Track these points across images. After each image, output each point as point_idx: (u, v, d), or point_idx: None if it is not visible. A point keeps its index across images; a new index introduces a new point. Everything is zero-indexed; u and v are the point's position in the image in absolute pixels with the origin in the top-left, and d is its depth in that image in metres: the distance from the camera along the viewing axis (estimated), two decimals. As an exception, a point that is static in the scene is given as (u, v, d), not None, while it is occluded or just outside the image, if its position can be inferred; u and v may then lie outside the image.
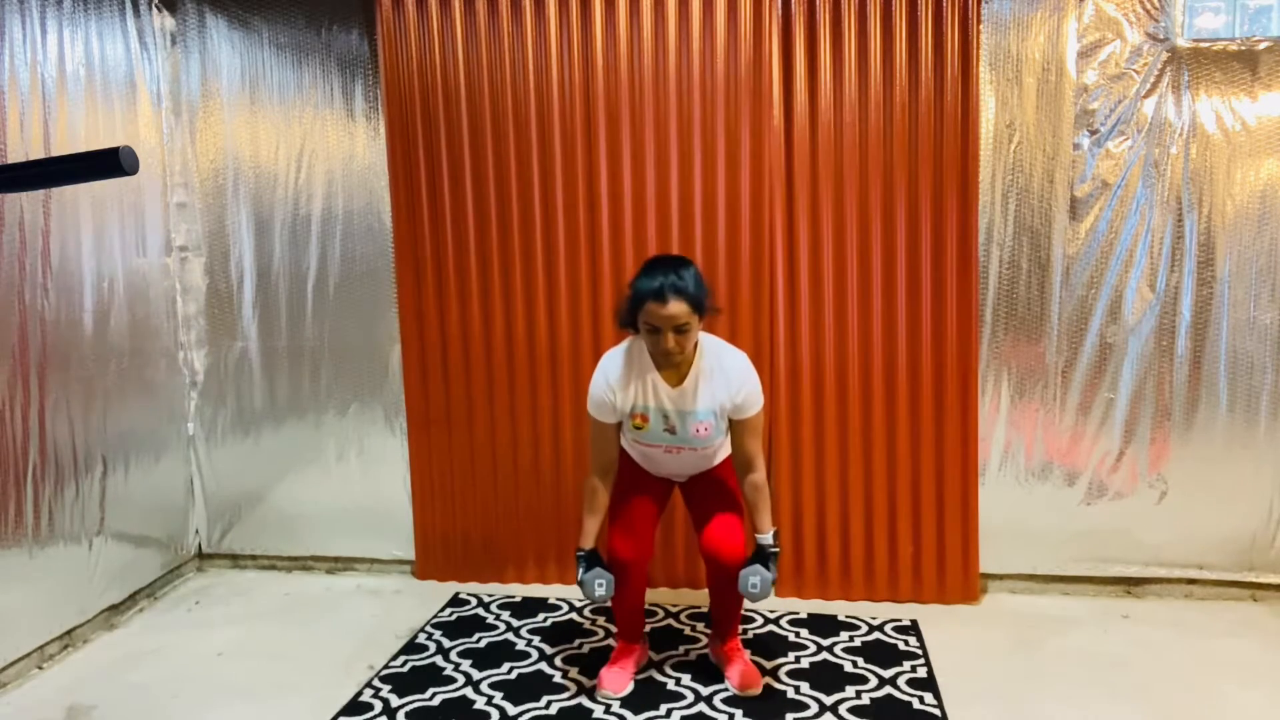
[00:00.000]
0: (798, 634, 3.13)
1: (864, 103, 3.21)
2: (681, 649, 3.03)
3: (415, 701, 2.73)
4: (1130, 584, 3.42)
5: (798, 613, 3.30)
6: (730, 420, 2.65)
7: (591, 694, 2.74)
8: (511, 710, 2.67)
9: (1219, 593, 3.36)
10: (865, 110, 3.21)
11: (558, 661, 2.96)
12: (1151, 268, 3.24)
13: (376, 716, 2.66)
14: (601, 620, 3.25)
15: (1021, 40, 3.21)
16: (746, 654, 2.85)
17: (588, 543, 2.67)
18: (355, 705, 2.72)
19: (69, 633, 3.14)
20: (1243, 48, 3.13)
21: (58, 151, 3.06)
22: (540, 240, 3.42)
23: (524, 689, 2.79)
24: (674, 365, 2.58)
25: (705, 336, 2.64)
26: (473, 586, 3.61)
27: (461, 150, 3.43)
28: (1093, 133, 3.21)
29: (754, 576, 2.57)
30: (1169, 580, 3.38)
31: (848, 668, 2.89)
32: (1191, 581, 3.38)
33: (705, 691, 2.75)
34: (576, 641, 3.10)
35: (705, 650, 3.00)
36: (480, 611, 3.37)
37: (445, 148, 3.43)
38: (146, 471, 3.55)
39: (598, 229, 3.38)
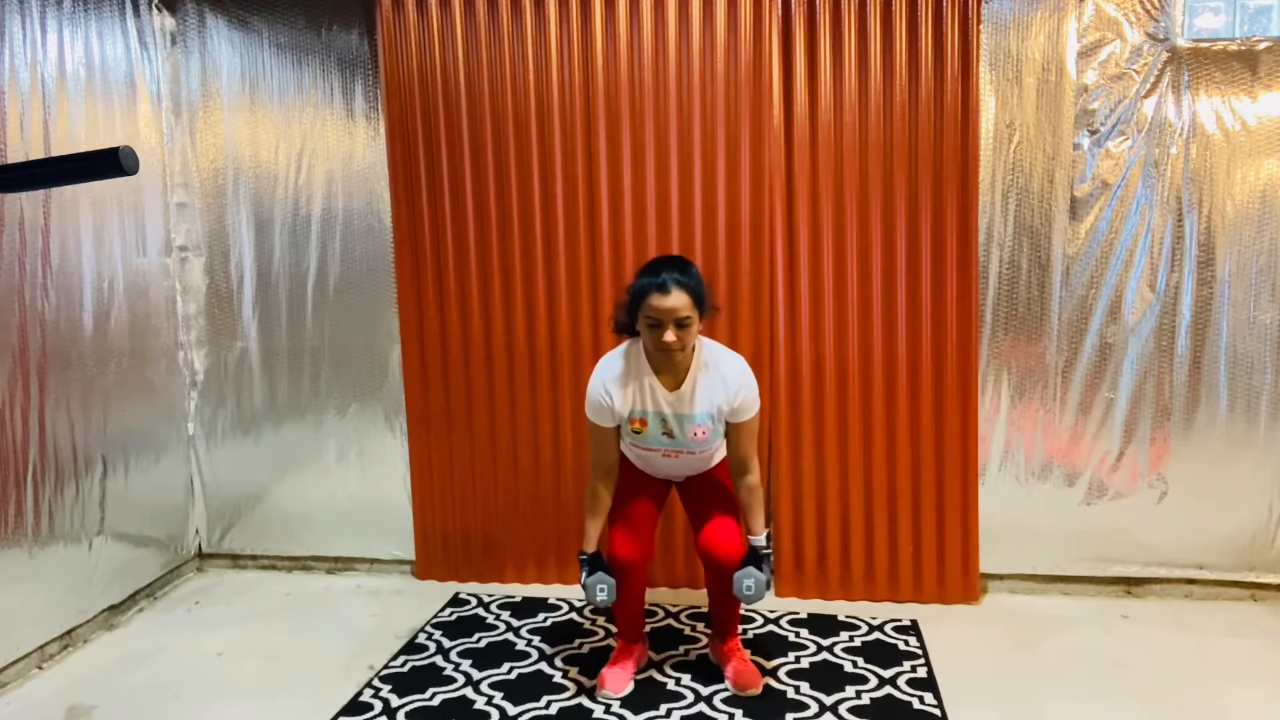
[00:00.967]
0: (798, 634, 3.13)
1: (864, 103, 3.21)
2: (681, 649, 3.03)
3: (415, 701, 2.73)
4: (1130, 584, 3.42)
5: (798, 613, 3.30)
6: (727, 423, 2.65)
7: (591, 694, 2.74)
8: (511, 710, 2.67)
9: (1219, 593, 3.36)
10: (865, 110, 3.21)
11: (558, 661, 2.96)
12: (1151, 268, 3.24)
13: (376, 716, 2.66)
14: (601, 620, 3.25)
15: (1021, 40, 3.21)
16: (746, 654, 2.85)
17: (590, 546, 2.66)
18: (355, 705, 2.72)
19: (69, 633, 3.14)
20: (1243, 48, 3.13)
21: (58, 151, 3.06)
22: (540, 240, 3.43)
23: (524, 689, 2.79)
24: (673, 365, 2.58)
25: (703, 340, 2.64)
26: (473, 586, 3.61)
27: (461, 150, 3.43)
28: (1093, 133, 3.21)
29: (748, 579, 2.57)
30: (1169, 580, 3.39)
31: (848, 668, 2.89)
32: (1191, 581, 3.38)
33: (705, 691, 2.75)
34: (576, 641, 3.10)
35: (705, 650, 3.00)
36: (480, 611, 3.37)
37: (445, 148, 3.43)
38: (146, 471, 3.54)
39: (598, 228, 3.38)
